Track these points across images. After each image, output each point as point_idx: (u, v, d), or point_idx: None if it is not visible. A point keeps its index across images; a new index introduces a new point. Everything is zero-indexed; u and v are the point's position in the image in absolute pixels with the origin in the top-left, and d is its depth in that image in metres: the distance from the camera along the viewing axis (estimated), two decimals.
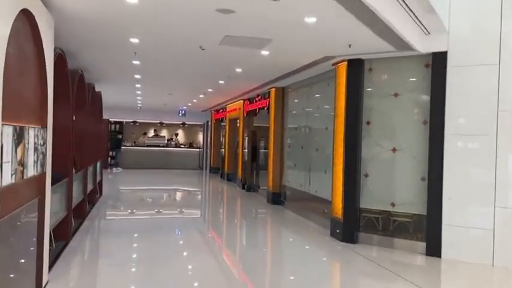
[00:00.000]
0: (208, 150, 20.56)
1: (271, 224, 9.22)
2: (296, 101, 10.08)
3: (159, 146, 21.96)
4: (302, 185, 9.37)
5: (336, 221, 7.14)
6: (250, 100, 13.33)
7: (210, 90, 12.18)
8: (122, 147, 20.99)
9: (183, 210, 10.84)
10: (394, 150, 6.66)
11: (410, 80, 6.61)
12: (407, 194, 6.62)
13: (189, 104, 17.30)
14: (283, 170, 10.69)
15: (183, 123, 23.46)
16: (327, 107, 8.23)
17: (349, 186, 6.92)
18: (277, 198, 10.69)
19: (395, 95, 6.66)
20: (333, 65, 7.34)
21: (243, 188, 13.69)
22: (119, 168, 20.41)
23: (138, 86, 11.66)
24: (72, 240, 6.62)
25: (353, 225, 6.89)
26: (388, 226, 6.73)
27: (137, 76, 9.94)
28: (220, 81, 10.38)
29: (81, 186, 8.14)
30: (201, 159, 22.22)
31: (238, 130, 14.59)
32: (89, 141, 8.66)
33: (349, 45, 5.95)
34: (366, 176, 6.89)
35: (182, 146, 23.09)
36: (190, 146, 23.23)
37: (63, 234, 6.34)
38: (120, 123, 22.72)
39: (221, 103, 16.50)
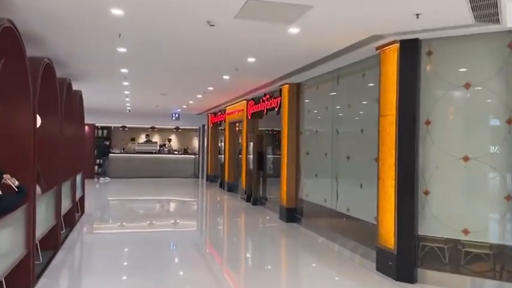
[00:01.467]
0: (205, 157, 18.82)
1: (289, 248, 7.55)
2: (316, 99, 8.42)
3: (150, 153, 20.20)
4: (326, 200, 7.69)
5: (385, 252, 5.46)
6: (256, 100, 11.65)
7: (210, 88, 10.48)
8: (110, 155, 19.17)
9: (179, 228, 9.08)
10: (466, 158, 5.01)
11: (487, 65, 4.98)
12: (485, 218, 4.98)
13: (184, 106, 15.58)
14: (300, 182, 9.01)
15: (177, 128, 21.70)
16: (364, 103, 6.58)
17: (405, 207, 5.25)
18: (292, 215, 9.01)
19: (467, 85, 5.02)
20: (377, 49, 5.70)
21: (248, 200, 11.98)
22: (106, 177, 18.59)
23: (125, 83, 9.92)
24: (39, 282, 4.90)
25: (410, 258, 5.22)
26: (459, 260, 5.07)
27: (124, 70, 8.21)
28: (225, 77, 8.69)
29: (53, 208, 6.39)
30: (197, 166, 20.46)
31: (241, 134, 12.89)
32: (64, 150, 6.90)
33: (417, 15, 4.31)
34: (426, 193, 5.22)
35: (176, 153, 21.33)
36: (185, 152, 21.46)
37: (23, 281, 4.61)
38: (108, 128, 20.90)
39: (220, 105, 14.81)
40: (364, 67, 6.54)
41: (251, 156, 11.85)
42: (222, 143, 15.73)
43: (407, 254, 5.23)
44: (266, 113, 10.76)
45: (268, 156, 11.44)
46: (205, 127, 19.02)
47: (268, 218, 9.92)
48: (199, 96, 12.06)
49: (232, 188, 14.51)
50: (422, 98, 5.24)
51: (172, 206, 13.23)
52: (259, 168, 11.61)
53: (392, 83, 5.39)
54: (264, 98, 10.76)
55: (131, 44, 6.14)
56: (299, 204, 9.04)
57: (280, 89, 9.61)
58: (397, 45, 5.30)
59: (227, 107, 14.70)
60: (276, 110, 9.86)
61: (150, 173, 19.30)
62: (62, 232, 7.18)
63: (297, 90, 9.12)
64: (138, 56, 6.94)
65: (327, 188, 7.68)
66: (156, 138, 22.49)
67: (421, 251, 5.26)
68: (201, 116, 19.59)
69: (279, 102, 9.68)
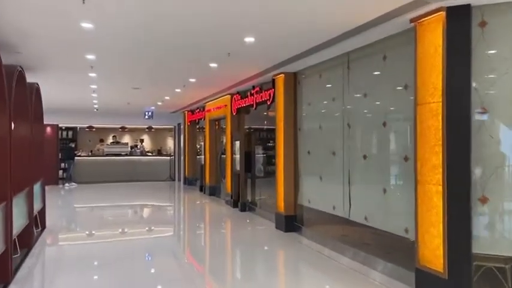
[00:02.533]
0: (182, 158, 17.43)
1: (290, 261, 6.35)
2: (318, 89, 7.27)
3: (120, 155, 18.64)
4: (336, 207, 6.56)
5: (430, 276, 4.35)
6: (242, 94, 10.42)
7: (192, 80, 9.17)
8: (76, 158, 17.47)
9: (156, 244, 7.74)
10: None
11: None
12: None
13: (159, 103, 14.15)
14: (299, 186, 7.85)
15: (150, 128, 20.18)
16: (386, 91, 5.46)
17: (457, 219, 4.15)
18: (290, 223, 7.84)
19: None
20: (412, 21, 4.58)
21: (235, 205, 10.74)
22: (72, 183, 16.91)
23: (92, 75, 8.48)
24: None
25: (464, 283, 4.13)
26: None
27: (90, 57, 6.81)
28: (212, 64, 7.42)
29: (0, 230, 4.97)
30: (173, 168, 19.03)
31: (225, 132, 11.63)
32: (12, 156, 5.46)
33: None
34: (484, 201, 4.15)
35: (149, 154, 19.82)
36: (159, 153, 19.98)
37: None
38: (73, 129, 19.17)
39: (199, 101, 13.48)
40: (385, 47, 5.44)
41: (237, 156, 10.61)
42: (202, 143, 14.40)
43: (461, 278, 4.13)
44: (256, 108, 9.53)
45: (258, 155, 10.22)
46: (182, 126, 17.63)
47: (262, 227, 8.71)
48: (177, 90, 10.71)
49: (214, 192, 13.23)
50: (474, 80, 4.16)
51: (147, 213, 11.83)
52: (248, 169, 10.39)
53: (436, 63, 4.28)
54: (252, 91, 9.54)
55: (99, 16, 4.80)
56: (299, 211, 7.88)
57: (273, 80, 8.41)
58: (443, 13, 4.19)
59: (207, 103, 13.40)
60: (268, 103, 8.66)
61: (121, 177, 17.79)
62: (15, 256, 5.76)
63: (294, 80, 7.95)
64: (107, 35, 5.59)
65: (335, 193, 6.54)
66: (126, 139, 20.96)
67: (474, 272, 4.19)
68: (176, 114, 18.18)
69: (271, 94, 8.49)
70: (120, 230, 8.92)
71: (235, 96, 10.75)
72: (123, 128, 20.06)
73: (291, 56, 6.91)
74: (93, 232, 8.78)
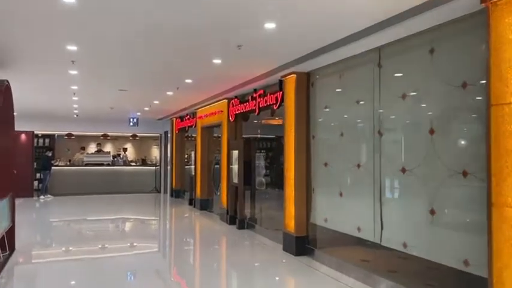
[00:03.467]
0: (169, 168, 16.26)
1: None
2: (339, 91, 6.30)
3: (102, 165, 17.35)
4: (362, 228, 5.57)
5: None
6: (241, 98, 9.42)
7: (188, 81, 8.11)
8: (53, 168, 16.11)
9: (142, 274, 6.60)
10: None
11: None
12: None
13: (146, 109, 13.03)
14: (312, 202, 6.85)
15: (134, 136, 18.94)
16: (435, 91, 4.52)
17: None
18: (302, 245, 6.81)
19: None
20: (483, 1, 3.66)
21: (232, 222, 9.66)
22: (48, 195, 15.53)
23: (73, 72, 7.36)
24: None
25: None
26: None
27: (72, 47, 5.71)
28: (216, 60, 6.40)
29: None
30: (158, 179, 17.81)
31: (220, 141, 10.57)
32: None
33: None
34: None
35: (133, 164, 18.56)
36: (143, 163, 18.74)
37: None
38: (51, 136, 17.79)
39: (190, 107, 12.41)
40: (432, 39, 4.52)
41: (235, 167, 9.55)
42: (193, 152, 13.29)
43: None
44: (258, 113, 8.52)
45: (260, 166, 9.18)
46: (169, 134, 16.48)
47: (265, 248, 7.65)
48: (169, 93, 9.63)
49: (206, 206, 12.11)
50: None
51: (130, 229, 10.63)
52: (247, 182, 9.34)
53: None
54: (254, 95, 8.53)
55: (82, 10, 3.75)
56: (311, 231, 6.86)
57: (280, 82, 7.45)
58: None
59: (198, 110, 12.33)
60: (275, 108, 7.66)
61: (102, 189, 16.51)
62: None
63: (306, 81, 6.98)
64: (93, 16, 4.53)
65: (361, 213, 5.56)
66: (109, 147, 19.69)
67: None
68: (163, 122, 17.05)
69: (279, 98, 7.50)
70: (99, 246, 8.03)
71: (233, 100, 9.73)
72: (105, 135, 18.78)
73: (308, 51, 5.98)
74: (70, 249, 7.89)
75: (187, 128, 13.95)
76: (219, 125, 10.74)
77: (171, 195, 15.71)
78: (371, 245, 5.43)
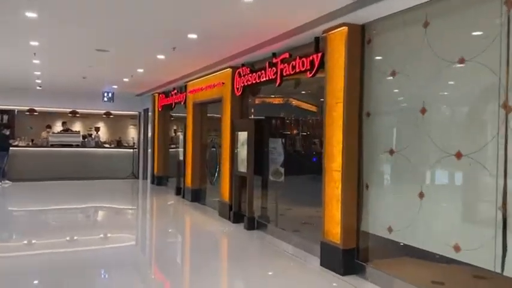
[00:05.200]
0: (150, 151, 14.15)
1: None
2: (419, 50, 4.39)
3: (70, 146, 15.06)
4: (462, 247, 3.80)
5: None
6: (251, 66, 7.47)
7: (192, 36, 6.03)
8: (12, 149, 13.71)
9: None
10: None
11: None
12: None
13: (126, 80, 10.85)
14: (366, 203, 5.03)
15: (108, 113, 16.60)
16: None
17: None
18: (350, 261, 5.02)
19: None
20: None
21: (237, 220, 7.79)
22: (6, 180, 13.19)
23: (31, 16, 5.18)
24: None
25: None
26: None
27: None
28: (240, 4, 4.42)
29: None
30: (137, 163, 15.67)
31: (222, 120, 8.59)
32: None
33: None
34: None
35: (106, 146, 16.31)
36: (119, 145, 16.52)
37: None
38: (9, 112, 15.30)
39: (179, 78, 10.33)
40: None
41: (242, 152, 7.64)
42: (181, 133, 11.25)
43: None
44: (280, 84, 6.58)
45: (275, 153, 7.24)
46: (150, 112, 14.32)
47: (292, 260, 5.81)
48: (160, 57, 7.53)
49: (198, 197, 10.17)
50: None
51: (103, 223, 8.61)
52: (257, 172, 7.46)
53: None
54: (275, 60, 6.58)
55: None
56: (362, 241, 5.07)
57: (318, 40, 5.56)
58: None
59: (190, 82, 10.28)
60: (310, 75, 5.74)
61: (70, 174, 14.30)
62: None
63: (361, 37, 5.10)
64: None
65: (467, 226, 3.79)
66: (78, 126, 17.32)
67: None
68: (142, 98, 14.86)
69: (316, 61, 5.59)
70: (67, 238, 7.02)
71: (240, 69, 7.75)
72: (74, 112, 16.36)
73: None
74: (33, 242, 6.91)
75: (173, 105, 11.85)
76: (218, 101, 8.75)
77: (152, 182, 13.66)
78: (440, 258, 3.91)
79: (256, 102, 11.19)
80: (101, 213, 10.13)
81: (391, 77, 4.71)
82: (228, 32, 5.84)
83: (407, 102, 4.58)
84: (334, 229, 5.16)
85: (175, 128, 14.86)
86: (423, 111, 4.26)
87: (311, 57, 5.68)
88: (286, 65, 6.29)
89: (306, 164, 8.06)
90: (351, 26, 5.02)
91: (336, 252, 5.09)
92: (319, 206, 5.45)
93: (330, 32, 5.26)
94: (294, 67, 6.08)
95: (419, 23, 4.34)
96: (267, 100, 9.56)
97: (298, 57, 5.98)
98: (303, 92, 10.42)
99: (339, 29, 5.10)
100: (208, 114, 10.33)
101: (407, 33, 4.54)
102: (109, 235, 7.65)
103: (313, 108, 10.77)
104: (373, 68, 4.99)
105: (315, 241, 5.55)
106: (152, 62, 8.10)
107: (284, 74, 6.36)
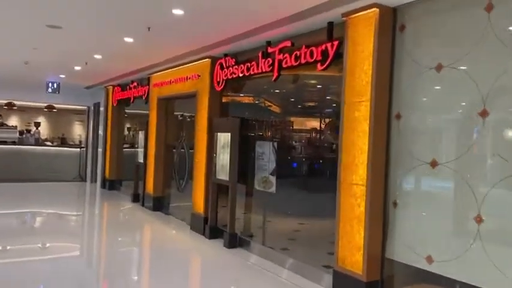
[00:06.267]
0: (100, 152, 12.57)
1: None
2: (476, 34, 3.58)
3: (5, 143, 13.14)
4: None
5: None
6: (236, 57, 6.40)
7: (178, 12, 4.84)
8: None
9: None
10: None
11: None
12: None
13: (77, 68, 9.32)
14: (391, 224, 4.14)
15: (50, 107, 14.73)
16: None
17: None
18: None
19: None
20: None
21: (213, 235, 6.66)
22: None
23: None
24: None
25: None
26: None
27: None
28: None
29: None
30: (84, 165, 13.95)
31: (197, 118, 7.40)
32: None
33: None
34: None
35: (48, 144, 14.46)
36: (63, 143, 14.72)
37: None
38: None
39: (143, 69, 9.01)
40: None
41: (223, 157, 6.52)
42: (141, 132, 9.88)
43: None
44: (277, 78, 5.54)
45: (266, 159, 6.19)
46: (101, 107, 12.74)
47: None
48: (128, 40, 6.22)
49: (160, 206, 8.89)
50: None
51: (43, 230, 7.15)
52: (241, 179, 6.39)
53: None
54: (270, 50, 5.55)
55: None
56: (387, 272, 4.17)
57: (331, 25, 4.62)
58: None
59: (155, 74, 8.99)
60: (322, 68, 4.76)
61: (4, 174, 12.35)
62: None
63: (392, 22, 4.20)
64: None
65: None
66: (14, 120, 15.32)
67: None
68: (92, 91, 13.22)
69: (331, 51, 4.62)
70: None
71: (223, 60, 6.64)
72: (10, 105, 14.35)
73: None
74: None
75: (132, 99, 10.45)
76: (191, 96, 7.56)
77: (103, 187, 12.10)
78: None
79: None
80: (39, 220, 8.68)
81: (435, 71, 3.84)
82: (214, 10, 4.73)
83: (461, 102, 3.73)
84: (353, 256, 4.22)
85: (128, 126, 13.43)
86: (484, 113, 3.41)
87: (323, 46, 4.71)
88: (286, 55, 5.28)
89: (286, 169, 7.18)
90: (383, 8, 4.10)
91: (356, 286, 4.14)
92: (305, 218, 4.56)
93: (353, 16, 4.32)
94: (297, 58, 5.08)
95: (478, 6, 3.50)
96: (236, 99, 8.41)
97: (304, 47, 4.98)
98: (276, 91, 9.43)
99: (366, 12, 4.17)
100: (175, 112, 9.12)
101: (461, 18, 3.68)
102: (48, 245, 6.44)
103: (277, 109, 9.84)
104: (406, 61, 4.11)
105: (314, 264, 4.63)
106: (116, 46, 6.76)
107: (284, 66, 5.34)
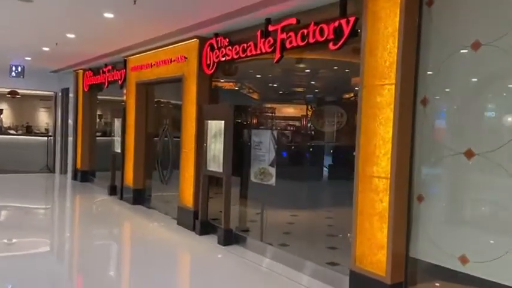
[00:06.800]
0: (71, 140, 11.71)
1: None
2: None
3: None
4: None
5: None
6: (230, 36, 5.83)
7: None
8: None
9: None
10: None
11: None
12: None
13: (45, 50, 8.47)
14: (414, 219, 3.76)
15: (13, 93, 13.65)
16: None
17: None
18: None
19: None
20: None
21: (205, 231, 6.15)
22: None
23: None
24: None
25: None
26: None
27: None
28: None
29: None
30: (52, 155, 13.03)
31: (184, 104, 6.79)
32: None
33: None
34: None
35: (12, 132, 13.44)
36: (28, 131, 13.72)
37: None
38: None
39: (118, 51, 8.27)
40: None
41: (215, 146, 5.99)
42: (117, 120, 9.14)
43: None
44: (279, 60, 5.02)
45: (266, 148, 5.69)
46: (71, 93, 11.83)
47: None
48: (108, 15, 5.53)
49: (142, 200, 8.28)
50: None
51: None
52: (236, 170, 5.89)
53: None
54: (271, 28, 5.02)
55: None
56: (411, 273, 3.80)
57: (344, 0, 4.15)
58: None
59: (132, 56, 8.27)
60: (334, 47, 4.28)
61: None
62: None
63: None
64: None
65: None
66: None
67: None
68: (59, 75, 12.28)
69: (346, 29, 4.15)
70: None
71: (213, 40, 6.06)
72: None
73: None
74: None
75: (106, 84, 9.67)
76: (176, 81, 6.93)
77: (74, 178, 11.30)
78: None
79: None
80: (4, 214, 7.98)
81: (471, 50, 3.43)
82: None
83: (502, 86, 3.34)
84: (374, 255, 3.82)
85: (99, 113, 12.59)
86: None
87: (336, 23, 4.23)
88: (291, 34, 4.76)
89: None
90: None
91: None
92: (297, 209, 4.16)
93: None
94: (304, 37, 4.58)
95: None
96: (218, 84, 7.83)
97: (313, 24, 4.48)
98: (257, 76, 8.91)
99: None
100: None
101: None
102: (14, 240, 5.88)
103: (255, 96, 9.35)
104: (435, 39, 3.68)
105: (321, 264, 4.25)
106: (93, 23, 6.03)
107: (288, 46, 4.83)
